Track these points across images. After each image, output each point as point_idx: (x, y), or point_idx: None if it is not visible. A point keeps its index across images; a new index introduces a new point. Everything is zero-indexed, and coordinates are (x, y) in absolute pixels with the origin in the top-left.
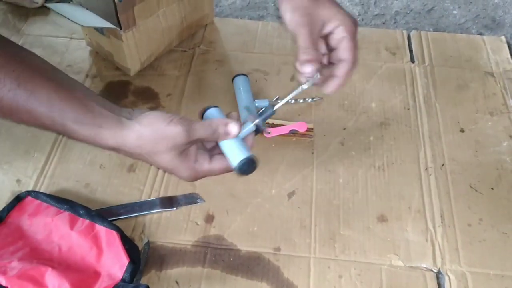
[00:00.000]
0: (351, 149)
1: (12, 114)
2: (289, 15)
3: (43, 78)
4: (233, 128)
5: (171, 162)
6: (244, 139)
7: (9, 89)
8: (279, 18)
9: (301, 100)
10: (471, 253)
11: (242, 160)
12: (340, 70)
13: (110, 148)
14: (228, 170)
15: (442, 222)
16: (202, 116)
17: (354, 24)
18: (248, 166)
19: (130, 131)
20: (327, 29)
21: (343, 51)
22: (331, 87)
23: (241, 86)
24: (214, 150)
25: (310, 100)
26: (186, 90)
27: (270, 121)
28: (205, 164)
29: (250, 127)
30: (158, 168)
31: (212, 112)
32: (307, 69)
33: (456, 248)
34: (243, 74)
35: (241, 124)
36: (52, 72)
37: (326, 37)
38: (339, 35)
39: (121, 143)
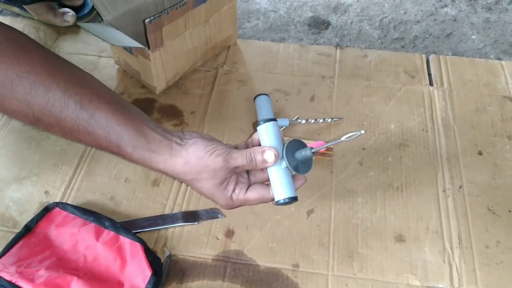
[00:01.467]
0: (370, 169)
1: (72, 134)
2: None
3: (103, 101)
4: (270, 156)
5: (210, 189)
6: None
7: (72, 111)
8: (300, 40)
9: (321, 120)
10: (488, 275)
11: (286, 198)
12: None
13: (159, 171)
14: (263, 201)
15: (459, 243)
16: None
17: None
18: (287, 203)
19: (178, 158)
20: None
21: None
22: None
23: (262, 105)
24: (256, 177)
25: (329, 120)
26: (209, 108)
27: None
28: (241, 194)
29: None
30: (198, 192)
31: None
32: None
33: (473, 269)
34: (265, 94)
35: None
36: (110, 95)
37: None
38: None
39: (170, 168)
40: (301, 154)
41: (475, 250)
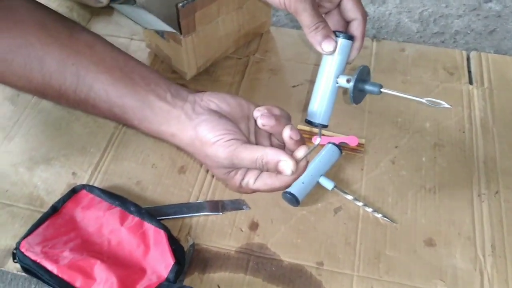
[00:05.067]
0: (402, 168)
1: (79, 107)
2: None
3: (101, 69)
4: (287, 169)
5: (218, 175)
6: None
7: (70, 83)
8: None
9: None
10: None
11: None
12: (356, 29)
13: (171, 143)
14: (275, 190)
15: (492, 252)
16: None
17: None
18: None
19: (185, 135)
20: None
21: (351, 9)
22: (354, 52)
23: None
24: None
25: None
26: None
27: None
28: (250, 184)
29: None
30: None
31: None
32: (330, 46)
33: (506, 279)
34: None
35: (306, 145)
36: (111, 60)
37: (319, 2)
38: None
39: (178, 144)
40: (368, 86)
41: (509, 259)
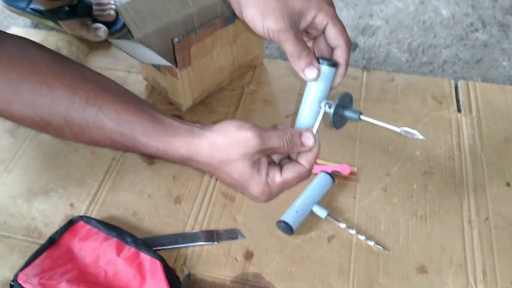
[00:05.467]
0: (394, 196)
1: (84, 133)
2: (262, 23)
3: (111, 94)
4: (309, 140)
5: (242, 172)
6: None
7: (78, 106)
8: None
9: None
10: None
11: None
12: (340, 57)
13: (181, 159)
14: (302, 178)
15: (484, 278)
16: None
17: (329, 4)
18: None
19: (203, 139)
20: (306, 22)
21: (334, 37)
22: (338, 78)
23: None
24: (282, 161)
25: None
26: None
27: None
28: (277, 177)
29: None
30: (228, 185)
31: (325, 70)
32: (312, 73)
33: None
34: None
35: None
36: (119, 89)
37: (305, 29)
38: (321, 23)
39: (193, 152)
40: (348, 113)
41: (500, 285)
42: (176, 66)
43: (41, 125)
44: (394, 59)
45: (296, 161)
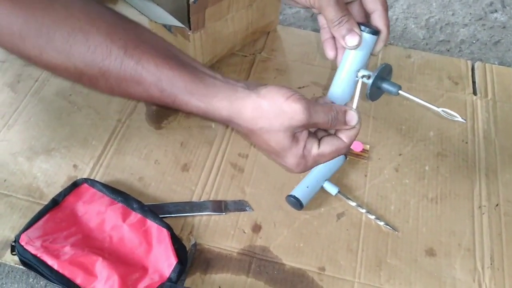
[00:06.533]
0: (405, 176)
1: (120, 86)
2: None
3: (151, 46)
4: (353, 118)
5: (281, 143)
6: None
7: (115, 57)
8: None
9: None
10: None
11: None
12: (378, 21)
13: (222, 120)
14: (339, 153)
15: (491, 264)
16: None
17: None
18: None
19: (247, 101)
20: None
21: (371, 1)
22: (379, 43)
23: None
24: (319, 133)
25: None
26: None
27: None
28: (314, 149)
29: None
30: (262, 151)
31: (366, 37)
32: (354, 40)
33: None
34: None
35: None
36: (158, 40)
37: None
38: None
39: (236, 114)
40: (387, 86)
41: (507, 272)
42: (189, 28)
43: (75, 75)
44: (411, 34)
45: (335, 135)
